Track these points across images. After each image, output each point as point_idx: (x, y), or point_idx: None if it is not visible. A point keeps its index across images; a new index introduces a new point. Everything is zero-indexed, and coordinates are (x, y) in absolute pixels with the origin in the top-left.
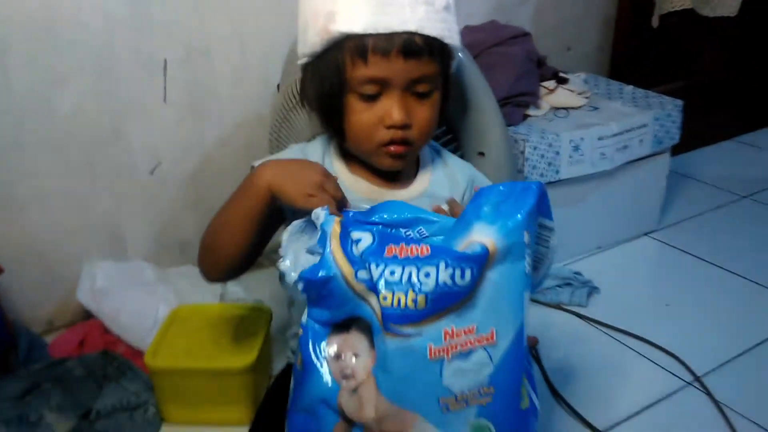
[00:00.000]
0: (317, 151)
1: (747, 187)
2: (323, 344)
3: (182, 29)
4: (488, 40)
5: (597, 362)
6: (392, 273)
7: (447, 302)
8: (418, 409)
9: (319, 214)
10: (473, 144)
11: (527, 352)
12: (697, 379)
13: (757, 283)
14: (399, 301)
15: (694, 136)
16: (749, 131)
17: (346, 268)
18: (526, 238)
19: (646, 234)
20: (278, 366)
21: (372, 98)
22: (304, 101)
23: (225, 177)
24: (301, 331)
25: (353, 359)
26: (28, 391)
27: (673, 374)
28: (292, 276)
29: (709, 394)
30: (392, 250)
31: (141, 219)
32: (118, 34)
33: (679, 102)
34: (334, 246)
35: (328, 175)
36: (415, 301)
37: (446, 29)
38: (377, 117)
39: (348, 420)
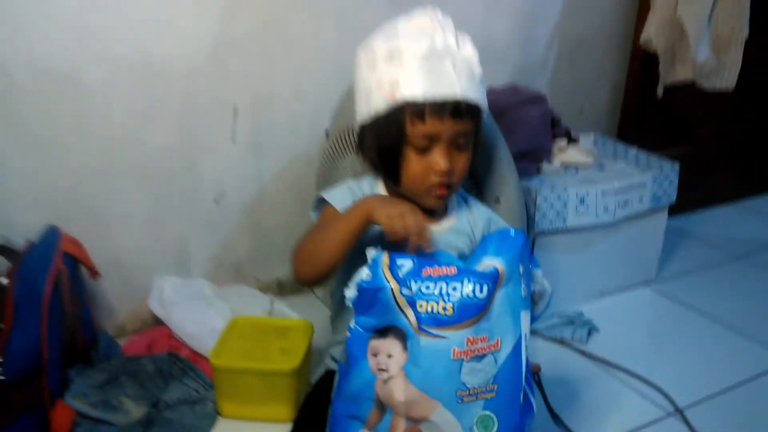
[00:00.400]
0: (368, 187)
1: (740, 248)
2: (366, 345)
3: (252, 80)
4: (509, 101)
5: (592, 391)
6: (427, 287)
7: (469, 313)
8: (440, 397)
9: (372, 252)
10: (491, 190)
11: (527, 361)
12: (678, 410)
13: (740, 334)
14: (432, 308)
15: (694, 197)
16: (746, 196)
17: (394, 285)
18: (520, 269)
19: (644, 284)
20: (315, 375)
21: (424, 150)
22: (360, 151)
23: (276, 208)
24: (348, 334)
25: (387, 358)
26: (108, 382)
27: (657, 405)
28: (351, 291)
29: (687, 423)
30: (427, 271)
31: (204, 241)
32: (199, 82)
33: (677, 165)
34: (384, 268)
35: (414, 212)
36: (444, 308)
37: (481, 97)
38: (428, 165)
39: (381, 407)
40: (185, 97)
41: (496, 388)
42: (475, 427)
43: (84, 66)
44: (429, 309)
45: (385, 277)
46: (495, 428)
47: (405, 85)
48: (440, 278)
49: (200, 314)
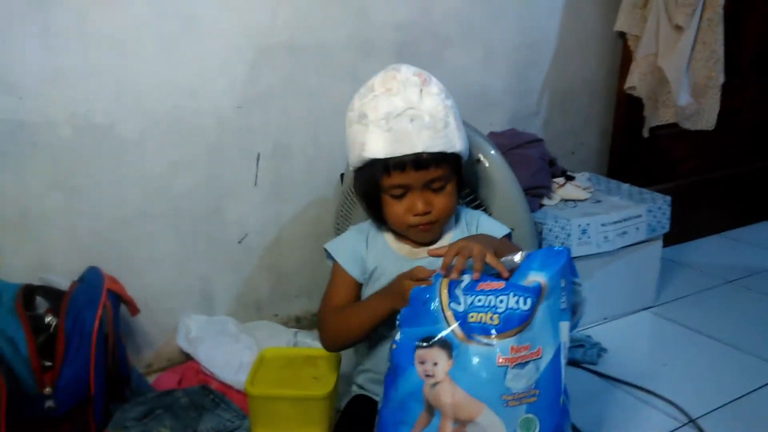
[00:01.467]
0: (372, 228)
1: (732, 273)
2: (413, 354)
3: (273, 130)
4: (509, 144)
5: (608, 408)
6: (479, 300)
7: (513, 323)
8: (485, 400)
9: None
10: (505, 221)
11: (565, 369)
12: (692, 420)
13: (741, 350)
14: (481, 319)
15: (682, 230)
16: (731, 227)
17: (445, 299)
18: (562, 283)
19: (645, 309)
20: (342, 403)
21: (400, 197)
22: (356, 196)
23: (294, 248)
24: (394, 346)
25: (433, 366)
26: (146, 415)
27: (672, 417)
28: None
29: (703, 431)
30: (481, 286)
31: (227, 281)
32: (226, 133)
33: (668, 198)
34: (442, 286)
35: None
36: (492, 319)
37: (446, 143)
38: (406, 208)
39: (430, 410)
40: (212, 147)
41: (537, 393)
42: (518, 429)
43: (120, 120)
44: (479, 319)
45: (439, 290)
46: (537, 430)
47: (368, 147)
48: (491, 292)
49: (228, 348)
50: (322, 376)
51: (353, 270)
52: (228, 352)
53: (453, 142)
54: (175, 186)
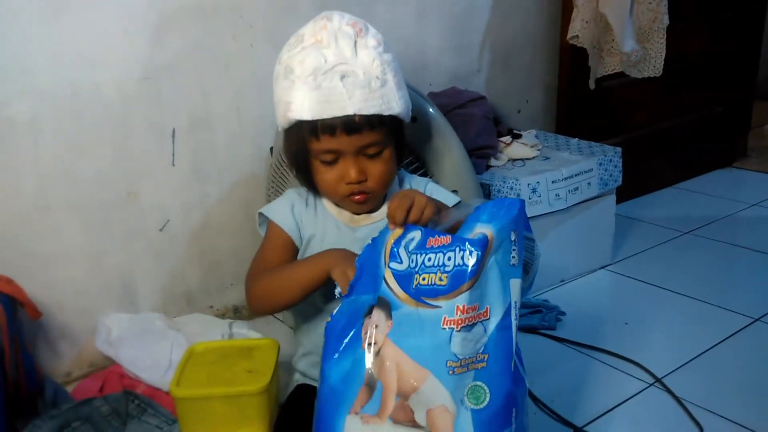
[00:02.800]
0: (310, 193)
1: (687, 224)
2: (355, 327)
3: (188, 102)
4: (450, 103)
5: (571, 374)
6: (429, 260)
7: (461, 281)
8: (430, 367)
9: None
10: (448, 184)
11: (516, 331)
12: (658, 380)
13: (701, 300)
14: (432, 280)
15: (633, 185)
16: (685, 179)
17: (387, 258)
18: (512, 236)
19: (602, 268)
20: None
21: (331, 163)
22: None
23: (225, 231)
24: (329, 319)
25: (374, 329)
26: (60, 429)
27: (637, 378)
28: None
29: (669, 391)
30: (431, 242)
31: (151, 273)
32: (132, 108)
33: (618, 149)
34: (388, 244)
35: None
36: (441, 279)
37: (383, 104)
38: (338, 175)
39: (370, 385)
40: (118, 125)
41: (486, 357)
42: (466, 399)
43: (6, 100)
44: (429, 281)
45: (384, 250)
46: (487, 399)
47: (294, 106)
48: (439, 248)
49: (154, 348)
50: (257, 368)
51: (290, 229)
52: (155, 352)
53: (391, 103)
54: (79, 171)
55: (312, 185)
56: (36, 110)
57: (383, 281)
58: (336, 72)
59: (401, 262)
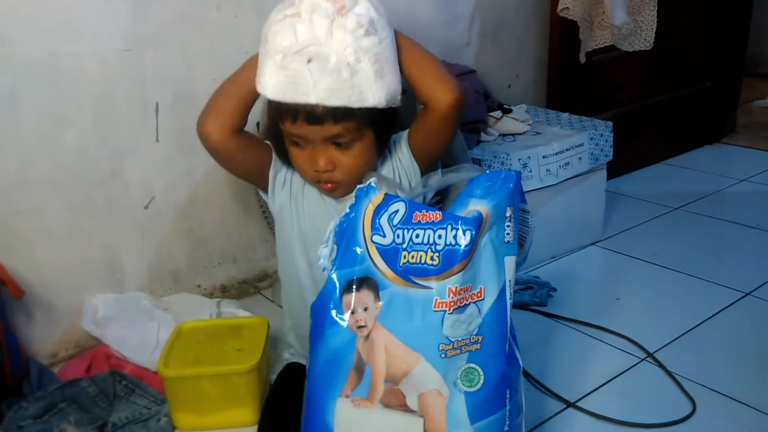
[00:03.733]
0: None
1: (677, 200)
2: (340, 303)
3: (172, 74)
4: None
5: (563, 350)
6: (417, 236)
7: (453, 261)
8: (422, 350)
9: (370, 177)
10: (441, 160)
11: (511, 310)
12: (650, 355)
13: (691, 275)
14: (421, 258)
15: (623, 161)
16: (675, 155)
17: (368, 230)
18: (508, 212)
19: (593, 244)
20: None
21: (301, 145)
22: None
23: (212, 208)
24: (314, 298)
25: (363, 312)
26: (46, 410)
27: (628, 353)
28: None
29: (661, 366)
30: (417, 216)
31: (137, 251)
32: (114, 81)
33: (609, 123)
34: (366, 214)
35: None
36: (432, 258)
37: (352, 96)
38: (308, 159)
39: (360, 368)
40: (100, 98)
41: (480, 339)
42: (459, 381)
43: None
44: (418, 259)
45: (362, 220)
46: (481, 381)
47: (263, 80)
48: (428, 224)
49: (141, 327)
50: (247, 347)
51: (276, 165)
52: (142, 331)
53: (364, 94)
54: (60, 147)
55: (287, 163)
56: (14, 83)
57: (368, 258)
58: (304, 54)
59: (384, 236)
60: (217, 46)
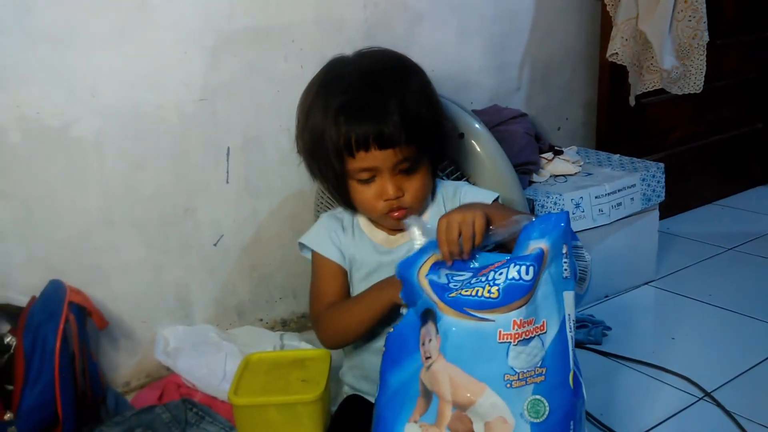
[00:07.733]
0: (346, 215)
1: (729, 241)
2: (414, 336)
3: (241, 121)
4: (492, 121)
5: (618, 389)
6: (474, 279)
7: (516, 295)
8: (486, 380)
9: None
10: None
11: (573, 343)
12: (708, 394)
13: (747, 315)
14: (477, 292)
15: (675, 201)
16: (725, 196)
17: (424, 269)
18: (564, 249)
19: (646, 283)
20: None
21: (368, 181)
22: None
23: (274, 246)
24: (391, 329)
25: (429, 342)
26: None
27: (686, 392)
28: None
29: (720, 405)
30: (482, 272)
31: (205, 286)
32: (190, 128)
33: (661, 165)
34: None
35: None
36: (490, 292)
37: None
38: (376, 193)
39: (427, 395)
40: (177, 144)
41: (544, 371)
42: (525, 412)
43: (74, 120)
44: (474, 293)
45: (422, 262)
46: (546, 412)
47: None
48: (490, 271)
49: (210, 358)
50: (311, 378)
51: (336, 257)
52: (210, 362)
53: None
54: (140, 188)
55: (349, 206)
56: (101, 130)
57: (422, 291)
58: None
59: (440, 276)
60: (283, 94)
